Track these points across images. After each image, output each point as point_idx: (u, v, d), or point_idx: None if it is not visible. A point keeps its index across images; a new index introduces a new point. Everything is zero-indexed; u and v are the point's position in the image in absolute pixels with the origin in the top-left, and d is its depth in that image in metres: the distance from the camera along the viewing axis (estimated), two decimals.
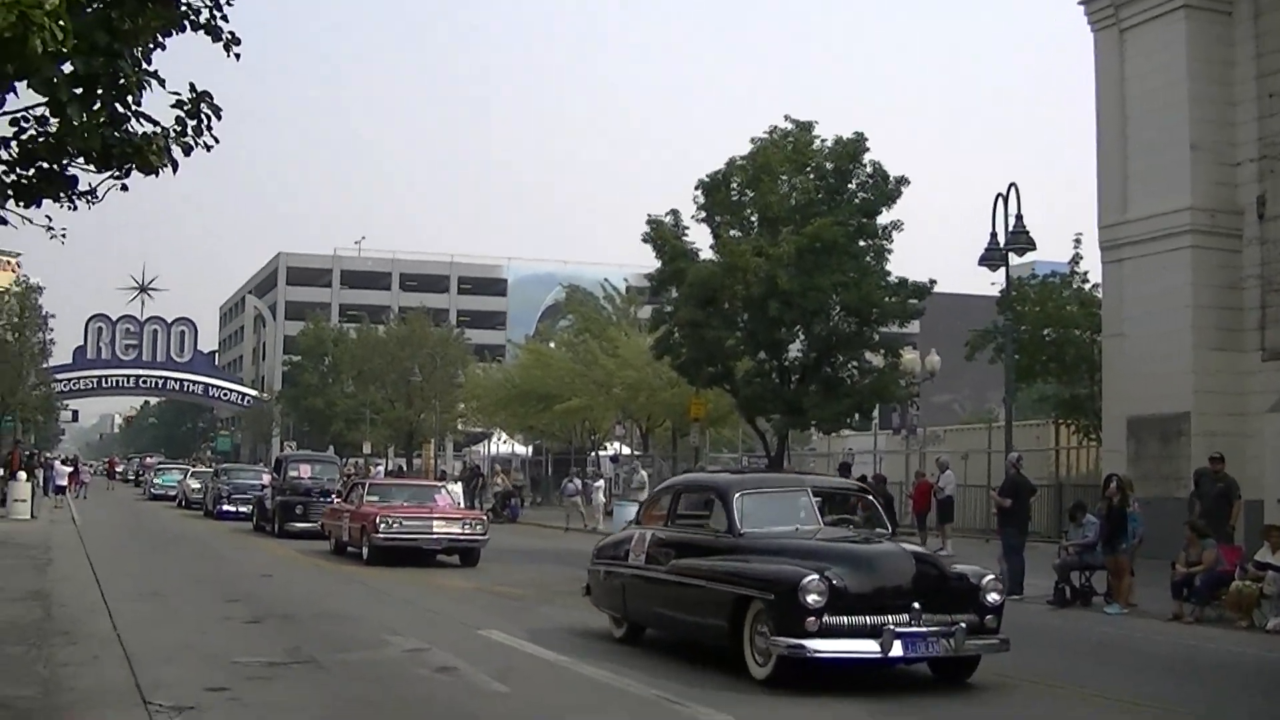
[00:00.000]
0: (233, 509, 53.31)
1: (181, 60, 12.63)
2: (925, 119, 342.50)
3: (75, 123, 11.03)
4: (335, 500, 39.47)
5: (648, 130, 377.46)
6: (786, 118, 40.58)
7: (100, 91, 10.94)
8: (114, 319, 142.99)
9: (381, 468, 79.58)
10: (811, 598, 14.36)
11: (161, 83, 11.72)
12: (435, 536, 32.78)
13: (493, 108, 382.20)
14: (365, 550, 32.98)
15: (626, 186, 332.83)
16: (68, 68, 10.13)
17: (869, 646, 14.51)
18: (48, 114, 11.27)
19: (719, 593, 15.86)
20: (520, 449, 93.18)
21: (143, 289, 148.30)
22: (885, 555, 15.72)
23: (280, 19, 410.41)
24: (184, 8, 12.22)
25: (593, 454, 74.89)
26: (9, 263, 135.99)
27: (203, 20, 12.45)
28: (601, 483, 56.29)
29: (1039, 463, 41.05)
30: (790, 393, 39.70)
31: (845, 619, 14.61)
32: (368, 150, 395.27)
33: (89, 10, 9.57)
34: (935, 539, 36.75)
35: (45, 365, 72.04)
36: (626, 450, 71.81)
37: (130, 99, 11.31)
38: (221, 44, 12.73)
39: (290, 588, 27.03)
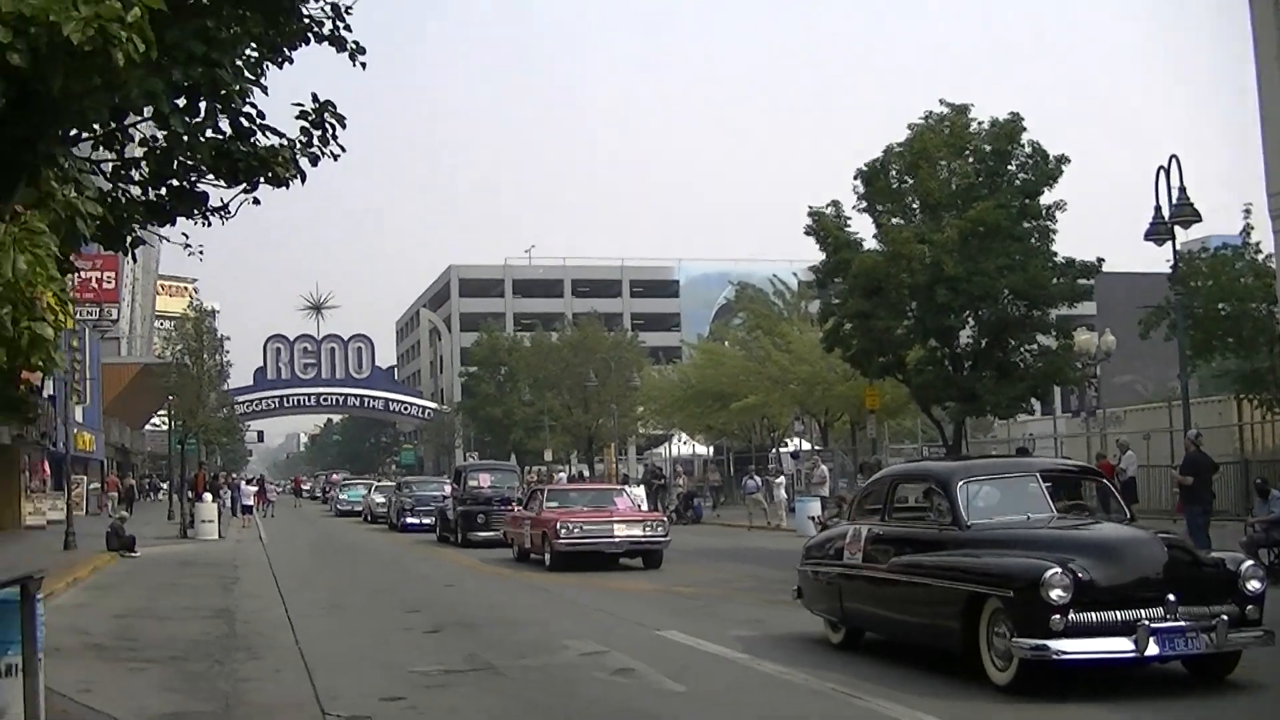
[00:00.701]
0: (416, 521, 53.78)
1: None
2: (1085, 91, 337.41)
3: (180, 132, 11.17)
4: (516, 508, 39.62)
5: (811, 120, 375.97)
6: (941, 101, 40.21)
7: (204, 102, 11.07)
8: (291, 339, 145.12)
9: (564, 474, 79.95)
10: (1055, 593, 13.26)
11: (264, 90, 11.85)
12: (616, 540, 32.75)
13: (658, 109, 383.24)
14: (547, 556, 32.96)
15: (796, 179, 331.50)
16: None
17: (1121, 645, 13.34)
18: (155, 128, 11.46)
19: (949, 591, 14.77)
20: (700, 449, 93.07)
21: (317, 308, 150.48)
22: (1133, 543, 14.49)
23: (445, 29, 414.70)
24: (307, 20, 12.32)
25: (773, 451, 74.64)
26: (184, 288, 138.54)
27: (326, 31, 12.56)
28: (782, 479, 56.04)
29: (1222, 439, 40.22)
30: (963, 379, 39.29)
31: (1093, 615, 13.49)
32: (535, 158, 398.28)
33: (180, 22, 9.67)
34: None
35: (225, 388, 73.21)
36: (806, 445, 71.46)
37: (234, 107, 11.43)
38: (346, 54, 12.84)
39: (470, 596, 27.25)
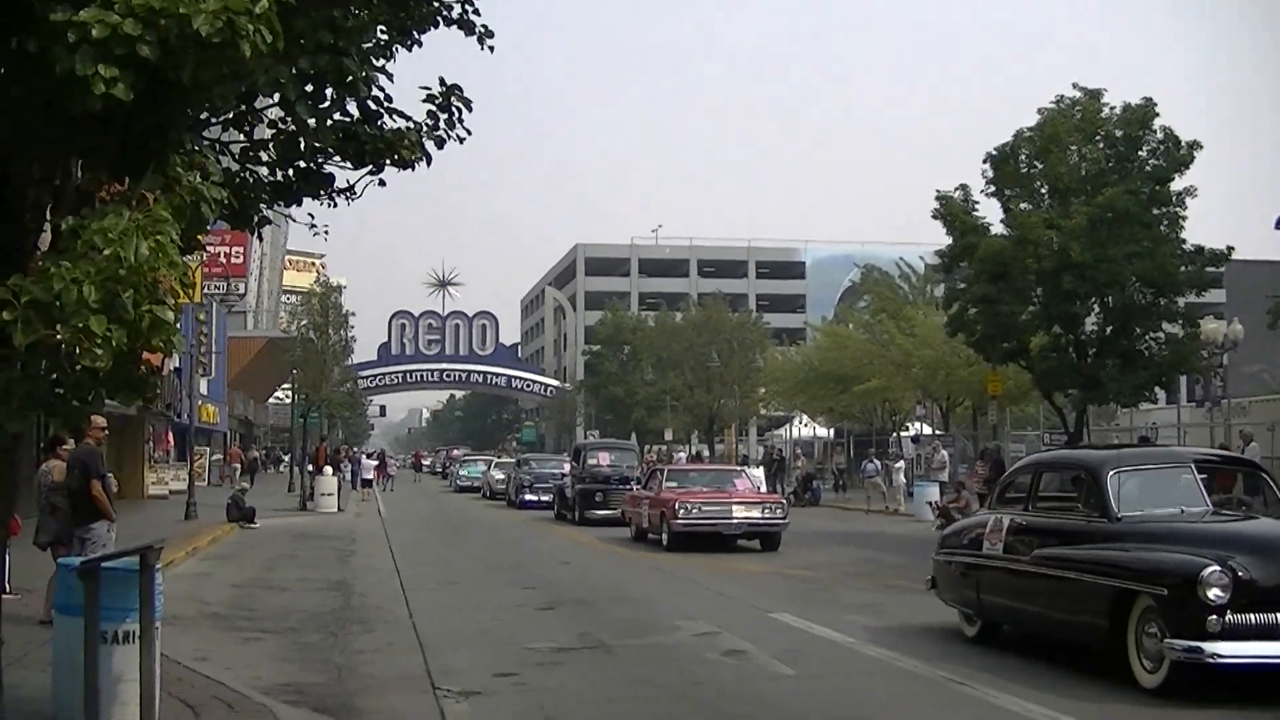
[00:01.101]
0: (534, 498, 54.04)
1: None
2: (1221, 78, 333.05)
3: (307, 119, 11.36)
4: (635, 487, 39.71)
5: (943, 103, 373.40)
6: (1074, 85, 39.82)
7: (330, 90, 11.24)
8: (416, 315, 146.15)
9: (683, 454, 79.97)
10: (1214, 592, 12.56)
11: (389, 77, 11.99)
12: (734, 521, 32.59)
13: (785, 90, 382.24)
14: (665, 536, 32.87)
15: (924, 162, 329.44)
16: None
17: None
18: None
19: (1096, 586, 14.04)
20: (821, 431, 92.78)
21: (444, 284, 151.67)
22: None
23: (571, 8, 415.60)
24: (436, 4, 12.46)
25: (893, 435, 74.38)
26: (312, 264, 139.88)
27: (455, 15, 12.70)
28: (902, 463, 55.90)
29: None
30: (1087, 366, 38.95)
31: (1252, 617, 12.68)
32: (663, 138, 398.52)
33: (307, 12, 9.83)
34: None
35: (349, 363, 73.93)
36: (927, 430, 71.15)
37: (361, 95, 11.59)
38: (475, 38, 12.97)
39: (586, 574, 27.40)
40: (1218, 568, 12.69)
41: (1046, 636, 15.81)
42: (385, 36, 12.41)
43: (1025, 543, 15.95)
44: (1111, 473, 15.12)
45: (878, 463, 56.04)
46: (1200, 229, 39.85)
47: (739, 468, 44.37)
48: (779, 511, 33.28)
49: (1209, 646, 12.54)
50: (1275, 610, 12.79)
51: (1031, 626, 16.24)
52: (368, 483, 65.28)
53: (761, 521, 32.81)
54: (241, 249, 64.31)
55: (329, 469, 51.21)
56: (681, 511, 32.25)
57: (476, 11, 12.86)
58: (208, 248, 52.92)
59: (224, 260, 60.66)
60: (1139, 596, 13.53)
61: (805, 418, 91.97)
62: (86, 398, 8.71)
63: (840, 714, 13.10)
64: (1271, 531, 13.99)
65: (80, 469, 16.74)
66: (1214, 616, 12.59)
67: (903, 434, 73.89)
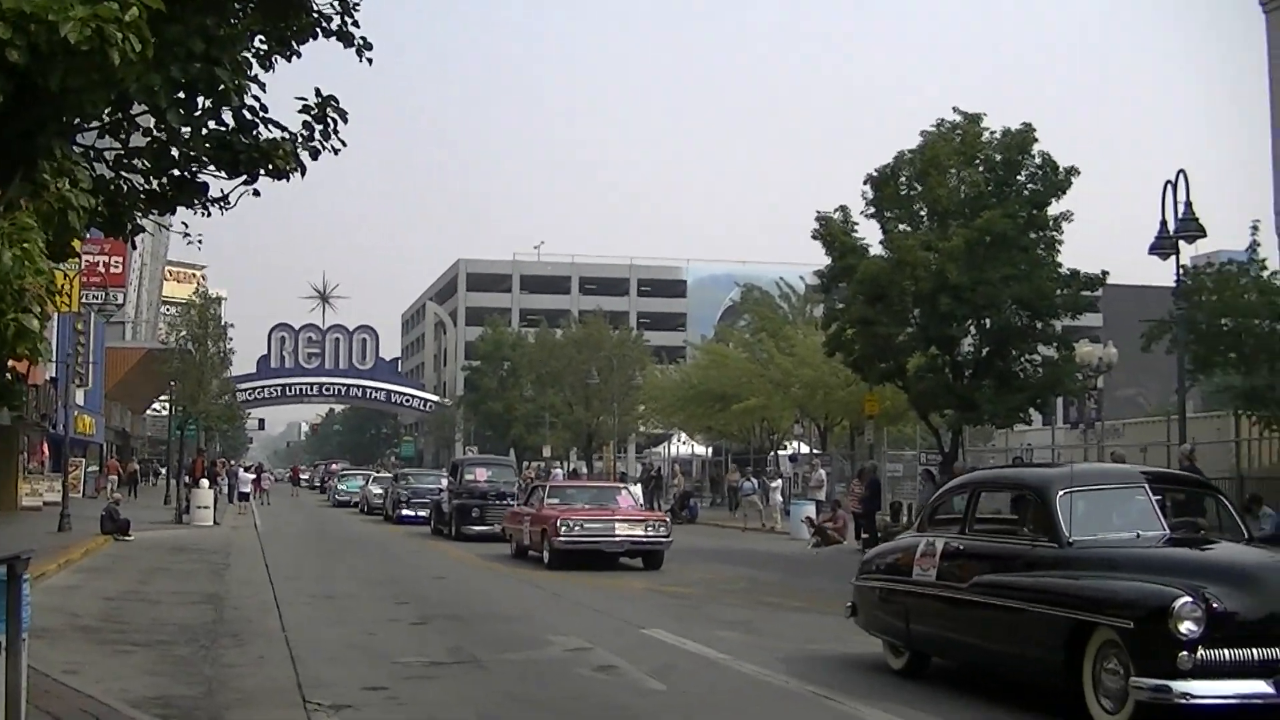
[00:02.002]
0: (412, 513, 53.80)
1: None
2: (1101, 106, 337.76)
3: (177, 127, 11.34)
4: (515, 504, 39.55)
5: (824, 125, 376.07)
6: (955, 109, 40.28)
7: (202, 98, 11.23)
8: (296, 328, 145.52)
9: (559, 471, 79.85)
10: (1186, 625, 11.54)
11: (262, 86, 12.02)
12: (617, 539, 32.13)
13: (667, 110, 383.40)
14: (546, 554, 32.39)
15: (805, 183, 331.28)
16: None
17: (1258, 688, 11.64)
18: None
19: (1048, 618, 12.91)
20: (700, 449, 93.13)
21: (324, 298, 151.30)
22: (1273, 568, 12.59)
23: (459, 24, 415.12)
24: (315, 15, 12.48)
25: (772, 453, 74.73)
26: (193, 275, 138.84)
27: (334, 27, 12.71)
28: (779, 482, 56.14)
29: (1220, 455, 40.17)
30: (963, 388, 39.36)
31: (1226, 652, 11.70)
32: (546, 155, 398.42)
33: (180, 20, 9.83)
34: None
35: (227, 375, 73.34)
36: (805, 449, 71.57)
37: (233, 104, 11.58)
38: (354, 50, 12.99)
39: (460, 590, 27.37)
40: (1189, 599, 11.71)
41: (991, 671, 14.80)
42: (265, 47, 12.41)
43: (962, 568, 14.76)
44: (1061, 493, 13.92)
45: (755, 481, 56.20)
46: (1077, 254, 40.39)
47: (621, 485, 44.06)
48: (662, 530, 32.82)
49: (1179, 685, 11.57)
50: (1249, 645, 11.84)
51: (969, 660, 15.27)
52: (245, 496, 64.69)
53: (645, 539, 32.36)
54: (121, 259, 63.30)
55: (205, 482, 50.71)
56: (563, 529, 31.71)
57: (356, 24, 12.90)
58: (86, 257, 52.35)
59: (102, 269, 59.71)
60: (1098, 629, 12.48)
61: (684, 435, 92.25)
62: None
63: None
64: (1242, 559, 13.14)
65: None
66: (1185, 652, 11.61)
67: (780, 453, 74.27)
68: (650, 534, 32.46)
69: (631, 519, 33.17)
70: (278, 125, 12.39)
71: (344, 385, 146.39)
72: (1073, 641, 12.62)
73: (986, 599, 14.03)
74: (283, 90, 12.83)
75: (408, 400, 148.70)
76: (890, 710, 13.44)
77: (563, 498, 35.35)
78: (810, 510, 45.25)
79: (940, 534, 15.70)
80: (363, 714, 13.25)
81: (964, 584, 14.51)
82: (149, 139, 12.05)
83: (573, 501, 34.76)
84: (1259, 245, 40.58)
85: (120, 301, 71.26)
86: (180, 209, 13.03)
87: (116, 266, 61.35)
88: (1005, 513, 15.71)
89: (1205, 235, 31.02)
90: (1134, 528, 13.91)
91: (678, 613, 22.78)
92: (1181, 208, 30.99)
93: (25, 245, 7.87)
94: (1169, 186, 31.29)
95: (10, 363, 8.88)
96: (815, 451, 67.43)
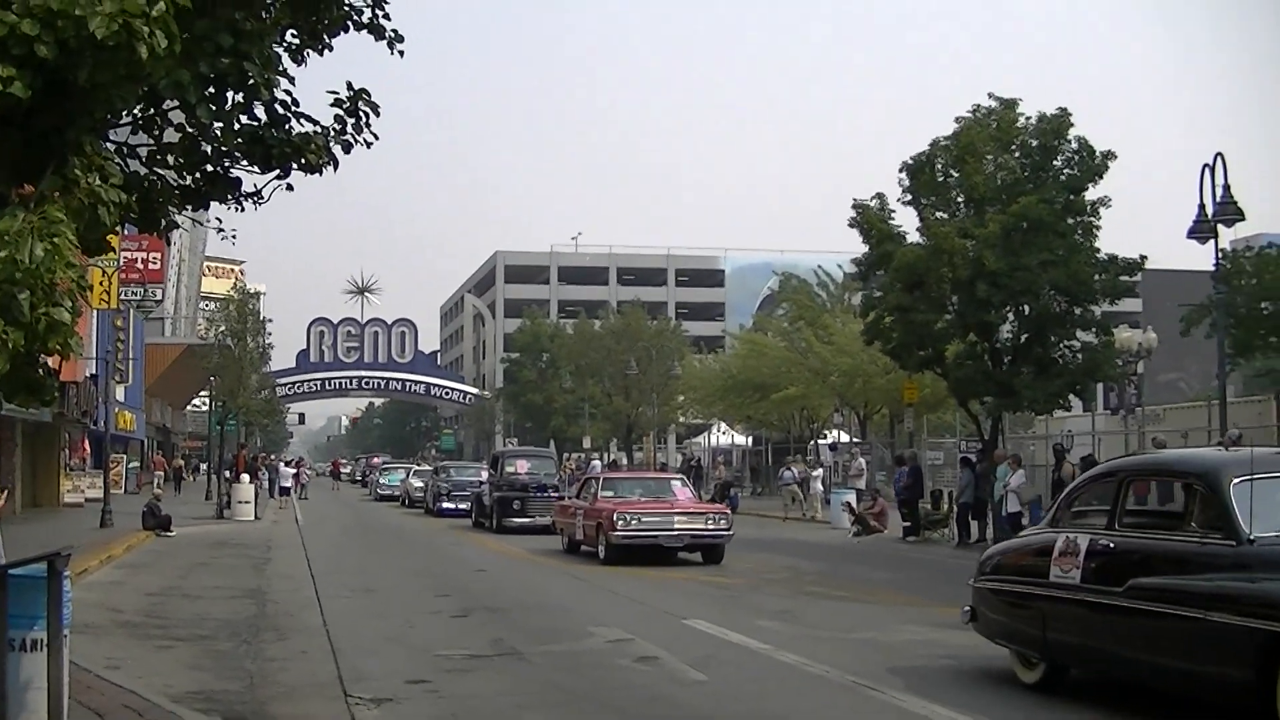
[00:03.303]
0: (452, 506, 53.90)
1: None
2: (1135, 91, 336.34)
3: (208, 122, 11.34)
4: (566, 496, 39.21)
5: (862, 112, 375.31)
6: (990, 95, 40.06)
7: (232, 93, 11.23)
8: (335, 322, 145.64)
9: (598, 462, 79.72)
10: None
11: (292, 80, 11.99)
12: (677, 533, 30.83)
13: (709, 99, 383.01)
14: (601, 549, 31.18)
15: (847, 171, 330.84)
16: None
17: None
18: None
19: (1231, 629, 10.91)
20: (740, 439, 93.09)
21: (362, 291, 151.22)
22: None
23: (495, 13, 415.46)
24: (347, 8, 12.47)
25: (811, 442, 74.65)
26: (231, 270, 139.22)
27: (365, 20, 12.70)
28: (820, 471, 56.01)
29: (1261, 440, 39.91)
30: (1002, 374, 39.16)
31: None
32: (584, 147, 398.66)
33: (208, 14, 9.83)
34: None
35: (267, 369, 73.54)
36: (845, 438, 71.42)
37: (263, 98, 11.57)
38: (385, 42, 12.97)
39: (501, 582, 27.36)
40: None
41: (1164, 686, 12.62)
42: (296, 40, 12.40)
43: (1113, 570, 12.80)
44: (1236, 481, 11.82)
45: (795, 470, 56.07)
46: (1117, 238, 40.19)
47: (679, 475, 43.29)
48: (723, 523, 31.50)
49: None
50: None
51: (1124, 673, 13.27)
52: (285, 490, 64.92)
53: (705, 533, 31.18)
54: (159, 255, 63.79)
55: (246, 476, 50.82)
56: (620, 523, 30.47)
57: (387, 16, 12.88)
58: (124, 253, 52.61)
59: (141, 266, 60.19)
60: None
61: (724, 425, 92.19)
62: None
63: (751, 717, 13.08)
64: None
65: None
66: None
67: (820, 441, 74.16)
68: (711, 527, 31.26)
69: (691, 511, 32.02)
70: (310, 119, 12.38)
71: (383, 379, 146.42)
72: (1265, 657, 10.68)
73: (1148, 605, 12.12)
74: (315, 84, 12.83)
75: (447, 393, 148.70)
76: (934, 699, 13.36)
77: (617, 490, 34.11)
78: (851, 499, 45.20)
79: (1081, 530, 13.79)
80: (404, 707, 13.26)
81: (1117, 588, 12.57)
82: (180, 134, 12.05)
83: (628, 494, 33.52)
84: None
85: (159, 297, 71.80)
86: (214, 204, 13.04)
87: (155, 263, 61.79)
88: (1164, 505, 14.21)
89: (1244, 218, 30.84)
90: None
91: (719, 603, 22.76)
92: (1220, 191, 30.83)
93: (55, 240, 7.90)
94: (1207, 170, 31.12)
95: (42, 357, 8.91)
96: (855, 440, 67.28)
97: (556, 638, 18.23)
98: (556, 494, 43.12)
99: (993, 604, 14.89)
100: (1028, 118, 39.35)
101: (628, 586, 25.77)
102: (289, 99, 12.13)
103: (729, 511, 33.94)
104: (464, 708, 13.31)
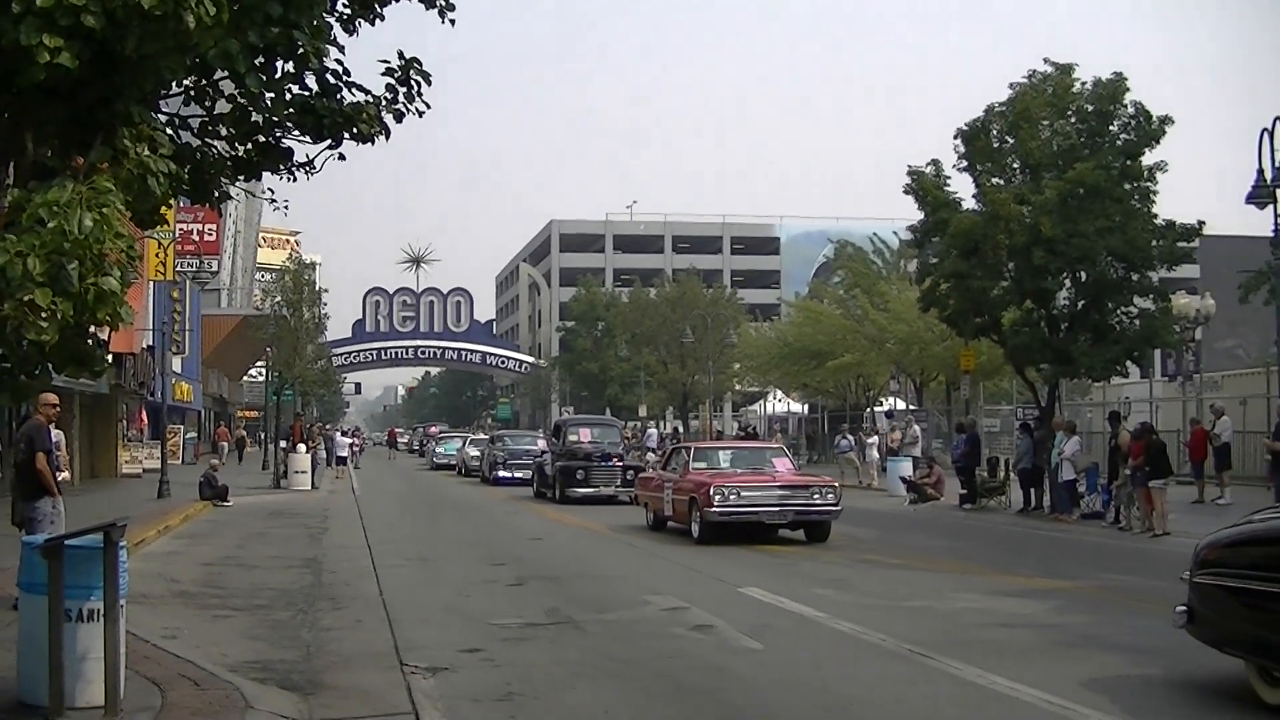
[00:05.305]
0: (509, 475, 54.09)
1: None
2: (1191, 51, 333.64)
3: (258, 92, 11.32)
4: (648, 467, 38.54)
5: (916, 78, 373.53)
6: (1045, 60, 39.77)
7: (282, 63, 11.22)
8: (391, 292, 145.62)
9: (654, 430, 79.55)
10: None
11: (342, 50, 11.98)
12: (780, 509, 27.98)
13: (759, 67, 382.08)
14: (695, 526, 28.30)
15: (901, 138, 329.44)
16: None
17: None
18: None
19: None
20: (796, 407, 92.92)
21: (417, 261, 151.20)
22: None
23: None
24: None
25: (867, 410, 74.47)
26: (287, 241, 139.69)
27: None
28: (876, 439, 55.78)
29: None
30: (1059, 341, 38.94)
31: None
32: (638, 115, 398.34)
33: None
34: (1214, 487, 36.07)
35: (323, 340, 73.78)
36: (901, 405, 71.20)
37: (312, 67, 11.56)
38: (435, 10, 12.93)
39: (557, 552, 27.34)
40: None
41: None
42: (348, 10, 12.39)
43: None
44: None
45: (851, 438, 55.91)
46: (1177, 204, 39.77)
47: (777, 445, 40.10)
48: (830, 497, 28.43)
49: None
50: None
51: None
52: (342, 460, 65.15)
53: (811, 508, 28.23)
54: (214, 226, 63.93)
55: (303, 446, 51.00)
56: (718, 498, 27.55)
57: None
58: (179, 225, 52.79)
59: (196, 238, 60.23)
60: None
61: (779, 393, 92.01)
62: (34, 372, 8.66)
63: (805, 686, 13.03)
64: None
65: (26, 444, 16.74)
66: None
67: (877, 409, 73.98)
68: (818, 502, 28.31)
69: (794, 485, 28.86)
70: (361, 89, 12.40)
71: (439, 348, 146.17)
72: None
73: None
74: (367, 53, 12.83)
75: (503, 362, 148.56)
76: (991, 668, 13.28)
77: (710, 461, 31.28)
78: (907, 467, 45.06)
79: None
80: (459, 675, 13.28)
81: None
82: (231, 105, 12.06)
83: (723, 465, 30.86)
84: None
85: (214, 269, 71.98)
86: (266, 175, 13.05)
87: (210, 234, 61.90)
88: None
89: None
90: None
91: (775, 571, 22.73)
92: (1279, 156, 30.52)
93: (104, 210, 7.90)
94: (1265, 135, 30.81)
95: (92, 328, 8.92)
96: (911, 408, 67.10)
97: (612, 606, 18.24)
98: (621, 463, 43.03)
99: (1223, 606, 11.94)
100: (1083, 83, 39.03)
101: (680, 554, 25.80)
102: (340, 68, 12.13)
103: (836, 485, 29.86)
104: (518, 677, 13.28)
